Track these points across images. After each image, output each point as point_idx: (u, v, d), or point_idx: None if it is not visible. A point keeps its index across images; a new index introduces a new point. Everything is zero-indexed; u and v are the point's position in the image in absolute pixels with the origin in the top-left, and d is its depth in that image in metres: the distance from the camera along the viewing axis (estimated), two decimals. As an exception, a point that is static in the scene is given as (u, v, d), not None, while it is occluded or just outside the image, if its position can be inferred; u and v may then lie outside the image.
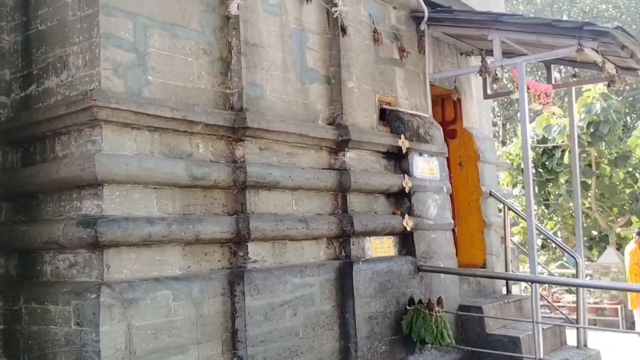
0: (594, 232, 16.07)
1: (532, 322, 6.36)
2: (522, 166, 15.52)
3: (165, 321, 4.38)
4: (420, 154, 7.09)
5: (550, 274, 12.10)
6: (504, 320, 7.25)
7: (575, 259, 7.60)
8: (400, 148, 6.77)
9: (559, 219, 15.88)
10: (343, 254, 6.12)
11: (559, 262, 15.77)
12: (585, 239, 15.93)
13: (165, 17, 4.78)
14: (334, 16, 6.24)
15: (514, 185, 15.94)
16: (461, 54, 8.63)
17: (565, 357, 7.01)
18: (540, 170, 15.15)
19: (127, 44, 4.43)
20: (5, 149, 4.73)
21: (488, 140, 8.86)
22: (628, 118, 24.20)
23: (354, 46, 6.51)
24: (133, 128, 4.42)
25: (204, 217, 4.82)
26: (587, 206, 14.90)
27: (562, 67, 14.95)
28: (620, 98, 23.63)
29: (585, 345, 7.57)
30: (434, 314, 6.25)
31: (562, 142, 14.02)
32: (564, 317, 8.37)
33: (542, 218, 15.97)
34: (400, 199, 6.84)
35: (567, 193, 14.81)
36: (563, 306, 11.97)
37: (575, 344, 7.60)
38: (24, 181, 4.57)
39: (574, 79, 7.95)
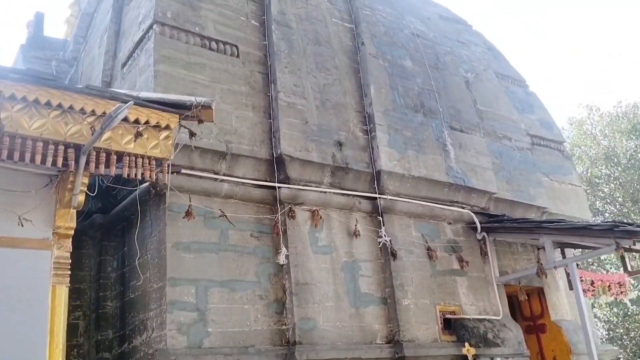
0: None
1: None
2: None
3: None
4: (492, 359, 7.27)
5: None
6: None
7: None
8: (465, 357, 7.07)
9: None
10: None
11: None
12: None
13: (224, 276, 6.08)
14: (379, 245, 7.18)
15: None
16: (538, 248, 8.90)
17: None
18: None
19: (190, 305, 5.72)
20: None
21: (583, 331, 8.62)
22: None
23: (406, 266, 7.29)
24: (194, 377, 5.51)
25: None
26: None
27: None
28: None
29: None
30: None
31: None
32: None
33: None
34: (474, 409, 6.96)
35: None
36: None
37: None
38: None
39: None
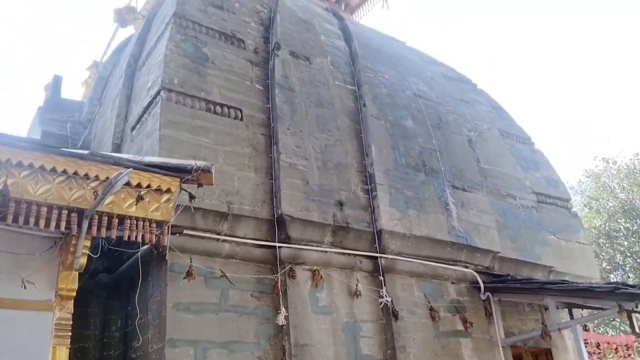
0: None
1: None
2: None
3: None
4: None
5: None
6: None
7: None
8: (470, 421, 6.94)
9: None
10: None
11: None
12: None
13: (223, 338, 6.12)
14: (380, 305, 7.18)
15: None
16: (545, 308, 8.81)
17: None
18: None
19: (188, 369, 5.76)
20: None
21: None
22: None
23: (408, 327, 7.26)
24: None
25: None
26: None
27: None
28: None
29: None
30: None
31: None
32: None
33: None
34: None
35: None
36: None
37: None
38: None
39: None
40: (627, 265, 25.44)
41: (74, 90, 22.03)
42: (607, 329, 21.36)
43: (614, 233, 28.86)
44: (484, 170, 9.58)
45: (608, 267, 23.36)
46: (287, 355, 6.41)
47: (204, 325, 6.05)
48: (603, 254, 25.22)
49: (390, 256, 7.51)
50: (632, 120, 41.45)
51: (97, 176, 4.87)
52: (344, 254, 7.30)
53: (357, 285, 7.20)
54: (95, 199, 4.76)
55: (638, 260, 26.20)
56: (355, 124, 8.44)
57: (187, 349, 5.85)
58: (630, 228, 29.18)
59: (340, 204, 7.45)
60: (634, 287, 6.27)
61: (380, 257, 7.46)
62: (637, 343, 7.44)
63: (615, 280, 23.97)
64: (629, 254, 27.31)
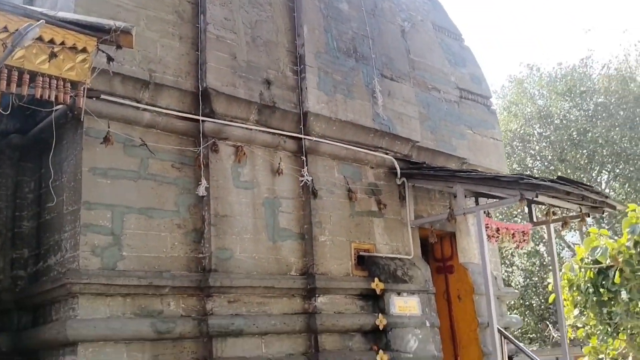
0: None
1: None
2: (580, 287, 15.21)
3: None
4: (399, 294, 7.76)
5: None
6: None
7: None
8: (374, 290, 7.52)
9: (626, 338, 15.01)
10: (316, 388, 6.80)
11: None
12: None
13: (142, 204, 6.19)
14: (301, 184, 7.42)
15: (575, 305, 15.45)
16: (454, 196, 9.37)
17: None
18: (601, 290, 14.71)
19: (105, 229, 5.83)
20: (21, 313, 6.17)
21: (482, 272, 9.27)
22: None
23: (326, 205, 7.58)
24: (107, 295, 5.68)
25: (170, 365, 5.86)
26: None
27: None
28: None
29: None
30: None
31: (610, 262, 13.80)
32: None
33: (606, 337, 15.15)
34: (378, 336, 7.46)
35: (624, 312, 14.26)
36: None
37: None
38: (31, 341, 5.92)
39: (549, 218, 8.32)
40: (535, 169, 27.05)
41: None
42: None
43: (528, 137, 30.44)
44: (413, 61, 9.68)
45: (518, 169, 24.76)
46: (207, 225, 6.59)
47: (121, 191, 6.07)
48: (515, 156, 26.69)
49: (315, 138, 7.65)
50: (562, 30, 42.45)
51: (5, 27, 4.60)
52: (268, 132, 7.36)
53: (279, 163, 7.35)
54: (4, 51, 4.51)
55: (546, 164, 27.91)
56: (289, 1, 8.20)
57: (103, 212, 5.88)
58: (543, 133, 30.81)
59: (268, 83, 7.40)
60: (537, 179, 6.76)
61: (304, 138, 7.58)
62: (532, 231, 8.11)
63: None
64: (538, 158, 29.05)
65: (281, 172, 7.33)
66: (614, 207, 7.71)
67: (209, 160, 6.77)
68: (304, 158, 7.55)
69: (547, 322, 25.72)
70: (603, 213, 7.88)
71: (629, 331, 17.44)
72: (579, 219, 7.81)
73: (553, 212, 7.27)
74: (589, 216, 7.89)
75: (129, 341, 5.70)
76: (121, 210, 6.01)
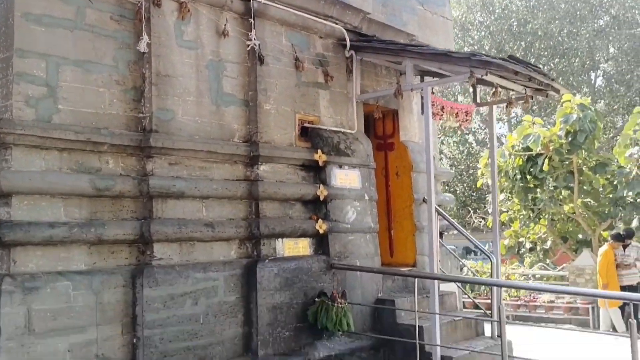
0: (580, 236, 16.41)
1: (435, 314, 7.04)
2: (508, 173, 16.10)
3: (65, 306, 5.37)
4: (340, 166, 7.89)
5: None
6: (422, 312, 7.78)
7: (490, 259, 8.21)
8: (316, 162, 7.59)
9: (547, 224, 16.28)
10: (255, 253, 7.00)
11: (541, 264, 16.34)
12: (572, 242, 16.40)
13: (78, 56, 5.79)
14: (248, 48, 7.12)
15: (501, 191, 16.40)
16: (401, 74, 9.34)
17: (471, 345, 7.62)
18: (528, 177, 15.60)
19: (39, 80, 5.45)
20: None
21: (425, 149, 9.53)
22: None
23: (272, 73, 7.37)
24: (42, 149, 5.43)
25: (108, 222, 5.80)
26: (572, 211, 15.35)
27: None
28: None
29: (498, 336, 8.06)
30: (335, 305, 7.03)
31: (541, 150, 14.52)
32: (483, 311, 8.86)
33: (528, 222, 16.37)
34: (318, 206, 7.66)
35: (548, 199, 15.29)
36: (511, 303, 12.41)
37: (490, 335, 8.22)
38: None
39: (495, 98, 8.48)
40: (474, 57, 27.34)
41: None
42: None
43: (469, 25, 30.47)
44: None
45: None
46: (147, 83, 6.29)
47: (57, 40, 5.63)
48: (454, 43, 26.90)
49: (263, 1, 7.26)
50: None
51: None
52: (214, -11, 6.90)
53: (225, 25, 6.98)
54: None
55: (483, 52, 28.21)
56: None
57: (37, 61, 5.48)
58: (484, 22, 30.84)
59: None
60: (488, 56, 6.77)
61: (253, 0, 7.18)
62: (474, 111, 8.27)
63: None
64: (477, 47, 29.30)
65: (227, 34, 6.99)
66: (557, 91, 7.91)
67: (150, 15, 6.33)
68: (251, 21, 7.20)
69: (469, 209, 27.35)
70: (547, 96, 8.08)
71: (550, 217, 18.91)
72: (523, 101, 7.99)
73: (495, 94, 7.38)
74: (532, 98, 8.08)
75: (66, 196, 5.56)
76: (56, 61, 5.61)
